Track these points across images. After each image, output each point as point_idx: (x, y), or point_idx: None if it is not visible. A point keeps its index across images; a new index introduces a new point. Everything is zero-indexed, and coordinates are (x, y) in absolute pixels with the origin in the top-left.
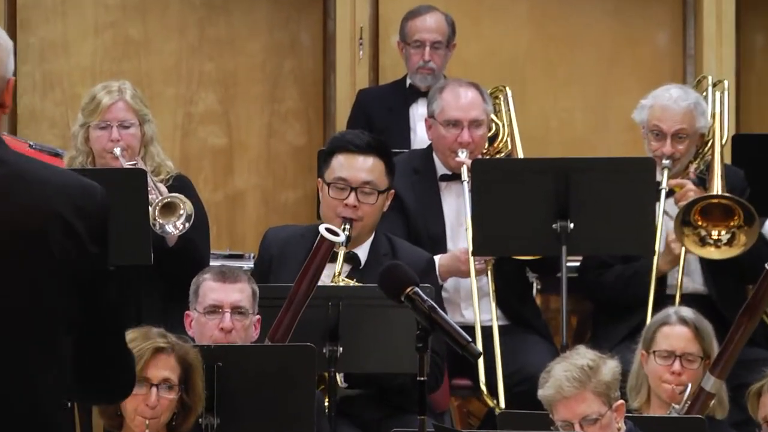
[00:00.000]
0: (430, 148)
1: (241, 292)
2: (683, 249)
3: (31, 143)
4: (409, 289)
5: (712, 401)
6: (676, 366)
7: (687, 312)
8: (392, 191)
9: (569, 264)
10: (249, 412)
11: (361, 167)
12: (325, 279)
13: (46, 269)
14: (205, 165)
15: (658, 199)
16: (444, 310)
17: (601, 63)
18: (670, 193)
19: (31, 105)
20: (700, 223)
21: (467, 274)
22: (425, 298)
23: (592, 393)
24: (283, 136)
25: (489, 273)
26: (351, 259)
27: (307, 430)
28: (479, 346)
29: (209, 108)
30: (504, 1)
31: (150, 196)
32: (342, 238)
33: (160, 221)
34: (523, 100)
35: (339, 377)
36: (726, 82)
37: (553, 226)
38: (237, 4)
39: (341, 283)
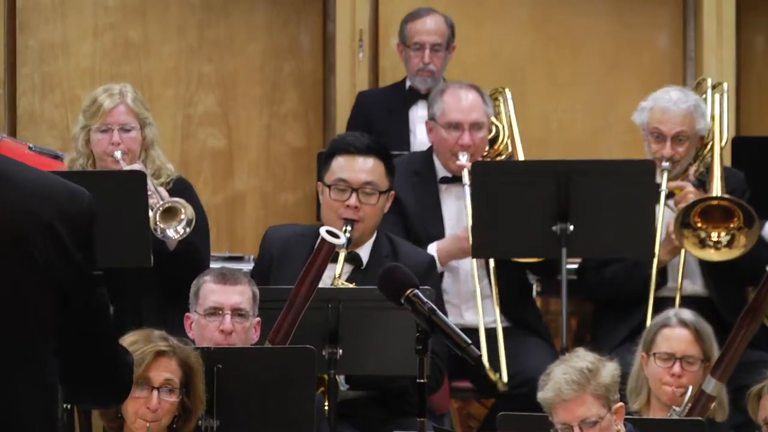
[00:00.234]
0: (430, 150)
1: (241, 295)
2: (683, 251)
3: (31, 145)
4: (408, 291)
5: (713, 404)
6: (677, 368)
7: (687, 314)
8: (392, 192)
9: (569, 266)
10: (249, 414)
11: (362, 168)
12: (326, 280)
13: (27, 273)
14: (204, 167)
15: (659, 201)
16: (444, 312)
17: (602, 65)
18: (670, 195)
19: (30, 107)
20: (699, 225)
21: (468, 253)
22: (425, 300)
23: (591, 395)
24: (283, 138)
25: (491, 275)
26: (352, 259)
27: None
28: (483, 348)
29: (208, 110)
30: (505, 3)
31: (151, 200)
32: (342, 240)
33: (161, 226)
34: (524, 102)
35: (340, 378)
36: (725, 84)
37: (553, 228)
38: (236, 5)
39: (340, 286)
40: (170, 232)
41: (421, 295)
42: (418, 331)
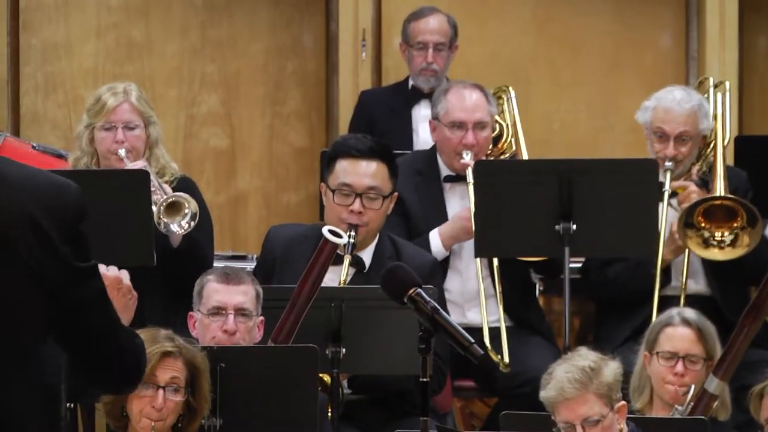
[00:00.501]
0: (433, 149)
1: (244, 294)
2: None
3: (35, 144)
4: (411, 291)
5: (715, 403)
6: (679, 367)
7: (690, 313)
8: (395, 194)
9: (572, 265)
10: (252, 413)
11: (365, 173)
12: (329, 284)
13: (16, 272)
14: (207, 167)
15: (662, 200)
16: (447, 311)
17: (604, 65)
18: (673, 194)
19: (33, 106)
20: (703, 224)
21: (470, 233)
22: (428, 299)
23: (593, 394)
24: (285, 137)
25: (495, 274)
26: (355, 263)
27: None
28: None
29: (211, 110)
30: (507, 3)
31: (155, 197)
32: (345, 239)
33: (165, 220)
34: (527, 101)
35: (343, 383)
36: (727, 84)
37: (556, 227)
38: (239, 5)
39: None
40: (174, 227)
41: (424, 294)
42: (421, 331)
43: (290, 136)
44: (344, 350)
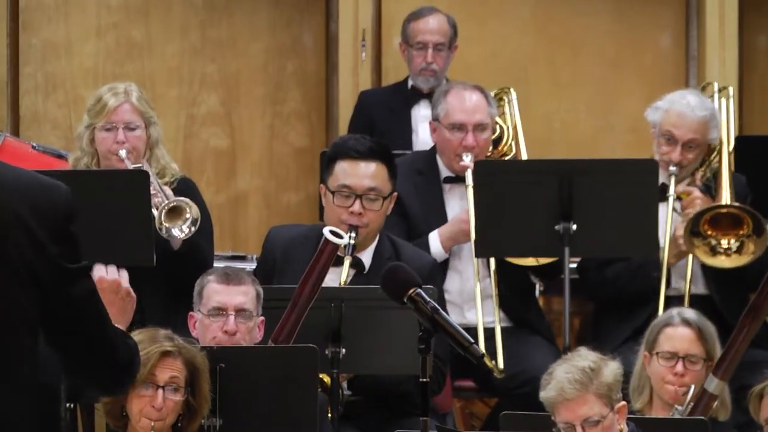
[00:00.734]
0: (433, 149)
1: (245, 295)
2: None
3: (35, 144)
4: (411, 291)
5: (715, 403)
6: (679, 367)
7: (690, 313)
8: (395, 194)
9: (570, 265)
10: (252, 413)
11: (365, 174)
12: (330, 284)
13: (7, 273)
14: (207, 167)
15: (663, 202)
16: (446, 312)
17: (604, 65)
18: (676, 199)
19: (33, 106)
20: (709, 232)
21: (468, 235)
22: (428, 299)
23: (593, 395)
24: (286, 137)
25: (492, 275)
26: (355, 264)
27: None
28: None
29: (211, 110)
30: (507, 3)
31: (155, 200)
32: (345, 240)
33: (166, 225)
34: (527, 102)
35: (343, 385)
36: (731, 89)
37: (556, 227)
38: (239, 5)
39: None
40: (175, 232)
41: (423, 294)
42: (420, 331)
43: (290, 136)
44: (344, 350)
